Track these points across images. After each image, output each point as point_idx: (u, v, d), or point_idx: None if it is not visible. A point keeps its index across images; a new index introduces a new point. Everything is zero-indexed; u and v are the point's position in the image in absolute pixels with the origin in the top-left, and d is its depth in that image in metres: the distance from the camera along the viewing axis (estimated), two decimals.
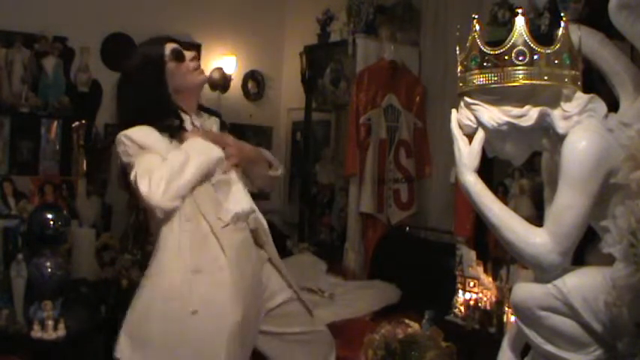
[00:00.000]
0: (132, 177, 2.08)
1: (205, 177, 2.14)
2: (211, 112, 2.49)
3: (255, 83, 6.15)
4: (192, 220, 2.12)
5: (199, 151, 2.14)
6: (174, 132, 2.20)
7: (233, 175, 2.26)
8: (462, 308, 3.41)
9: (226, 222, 2.15)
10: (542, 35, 2.95)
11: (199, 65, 2.31)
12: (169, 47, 2.28)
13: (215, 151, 2.17)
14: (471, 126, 1.90)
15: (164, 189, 2.03)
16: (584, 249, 2.03)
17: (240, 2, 5.92)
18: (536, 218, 2.26)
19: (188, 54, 2.30)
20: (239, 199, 2.23)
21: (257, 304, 2.23)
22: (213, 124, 2.42)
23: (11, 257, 3.43)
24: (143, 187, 2.02)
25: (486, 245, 3.55)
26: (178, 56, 2.27)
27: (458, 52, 1.93)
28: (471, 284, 3.39)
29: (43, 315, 3.15)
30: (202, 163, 2.12)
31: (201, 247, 2.11)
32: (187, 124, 2.26)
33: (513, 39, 1.81)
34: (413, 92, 4.70)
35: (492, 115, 1.85)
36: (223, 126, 2.45)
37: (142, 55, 2.36)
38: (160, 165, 2.07)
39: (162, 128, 2.18)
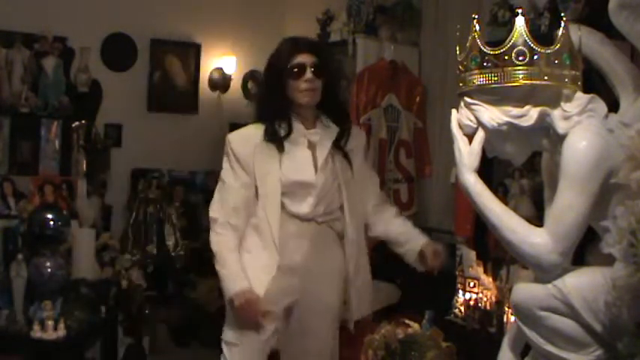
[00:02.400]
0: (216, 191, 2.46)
1: None
2: (340, 117, 2.52)
3: (255, 83, 6.15)
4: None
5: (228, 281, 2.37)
6: (279, 137, 2.38)
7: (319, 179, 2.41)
8: (462, 308, 3.41)
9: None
10: (542, 35, 2.95)
11: (312, 87, 2.37)
12: (296, 60, 2.37)
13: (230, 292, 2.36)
14: (471, 126, 1.90)
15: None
16: (584, 249, 2.03)
17: (240, 2, 5.92)
18: (536, 218, 2.26)
19: (308, 73, 2.36)
20: (314, 203, 2.42)
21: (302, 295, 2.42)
22: (332, 132, 2.47)
23: (11, 257, 3.43)
24: (211, 213, 2.44)
25: (486, 245, 3.55)
26: (294, 74, 2.37)
27: (458, 52, 1.93)
28: (471, 284, 3.39)
29: (43, 315, 3.15)
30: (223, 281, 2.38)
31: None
32: (298, 135, 2.41)
33: (513, 39, 1.81)
34: (413, 92, 4.70)
35: (492, 115, 1.85)
36: (342, 135, 2.48)
37: (273, 55, 2.49)
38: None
39: (270, 130, 2.38)
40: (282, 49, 2.44)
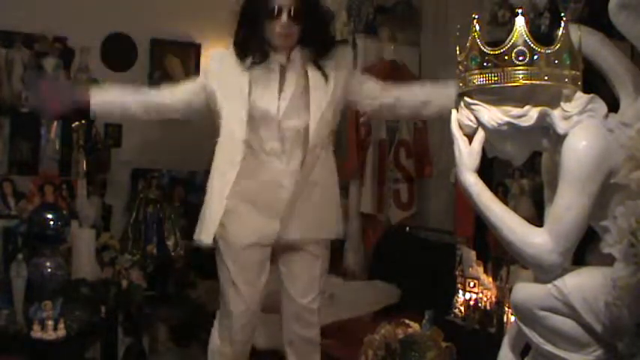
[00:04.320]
0: None
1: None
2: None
3: None
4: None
5: None
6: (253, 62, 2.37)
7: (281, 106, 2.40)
8: (462, 308, 3.40)
9: None
10: (542, 35, 2.94)
11: (287, 32, 2.34)
12: (274, 1, 2.32)
13: None
14: (471, 126, 1.90)
15: None
16: (584, 249, 2.03)
17: (241, 2, 5.91)
18: (536, 218, 2.26)
19: (284, 17, 2.31)
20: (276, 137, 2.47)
21: None
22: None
23: (11, 257, 3.44)
24: None
25: (486, 245, 3.55)
26: (271, 16, 2.33)
27: (458, 52, 1.93)
28: (471, 284, 3.39)
29: (43, 315, 3.15)
30: None
31: None
32: (273, 63, 2.39)
33: (513, 39, 1.81)
34: None
35: (492, 115, 1.85)
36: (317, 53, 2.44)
37: None
38: None
39: (244, 53, 2.39)
40: None
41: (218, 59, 2.52)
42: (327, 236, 2.61)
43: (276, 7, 2.30)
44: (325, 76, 2.40)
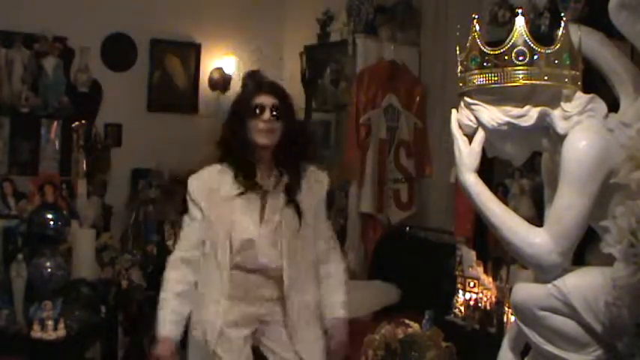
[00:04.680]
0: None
1: None
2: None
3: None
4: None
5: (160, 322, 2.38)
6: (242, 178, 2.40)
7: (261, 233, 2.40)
8: (462, 308, 3.41)
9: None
10: (542, 35, 2.95)
11: (270, 128, 2.38)
12: (257, 100, 2.39)
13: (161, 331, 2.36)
14: (471, 126, 1.90)
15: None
16: (584, 249, 2.03)
17: (240, 2, 5.92)
18: (536, 218, 2.26)
19: (266, 113, 2.37)
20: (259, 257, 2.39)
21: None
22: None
23: (11, 257, 3.43)
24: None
25: (486, 245, 3.55)
26: (254, 114, 2.38)
27: (458, 52, 1.93)
28: (471, 284, 3.39)
29: (43, 315, 3.15)
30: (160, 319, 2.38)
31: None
32: (258, 178, 2.42)
33: (513, 39, 1.81)
34: (413, 92, 4.70)
35: (492, 115, 1.85)
36: (292, 185, 2.45)
37: (237, 96, 2.58)
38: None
39: (232, 168, 2.41)
40: (245, 89, 2.49)
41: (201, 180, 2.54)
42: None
43: (259, 105, 2.39)
44: (297, 208, 2.44)
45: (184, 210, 2.56)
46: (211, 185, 2.43)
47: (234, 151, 2.43)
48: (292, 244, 2.40)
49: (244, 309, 2.39)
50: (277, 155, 2.42)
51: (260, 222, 2.40)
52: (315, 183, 2.51)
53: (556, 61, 1.81)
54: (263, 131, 2.37)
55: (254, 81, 2.53)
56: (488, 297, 3.30)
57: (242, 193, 2.39)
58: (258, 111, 2.37)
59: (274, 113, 2.37)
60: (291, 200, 2.42)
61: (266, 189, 2.41)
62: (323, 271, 2.53)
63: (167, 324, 2.36)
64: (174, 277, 2.44)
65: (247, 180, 2.39)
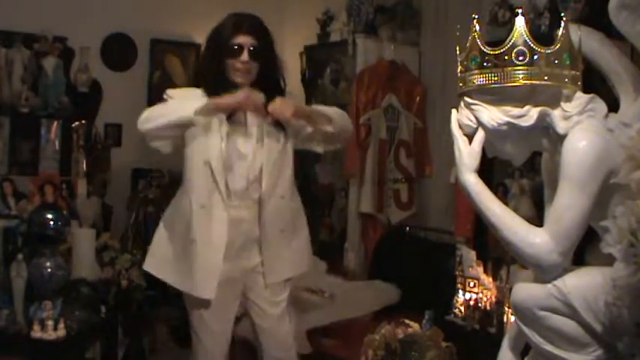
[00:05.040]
0: None
1: (180, 123, 2.41)
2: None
3: None
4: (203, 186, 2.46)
5: (183, 103, 2.43)
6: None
7: (248, 149, 2.47)
8: (462, 308, 3.40)
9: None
10: (542, 35, 2.95)
11: (246, 68, 2.45)
12: (236, 39, 2.44)
13: (189, 109, 2.37)
14: (471, 126, 1.90)
15: (144, 115, 2.49)
16: (584, 249, 2.03)
17: (240, 2, 5.91)
18: (536, 218, 2.26)
19: (244, 54, 2.43)
20: (238, 177, 2.46)
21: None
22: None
23: (11, 257, 3.43)
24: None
25: (486, 245, 3.55)
26: (232, 53, 2.43)
27: (458, 52, 1.93)
28: (471, 284, 3.39)
29: (43, 315, 3.14)
30: (176, 109, 2.42)
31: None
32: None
33: (513, 39, 1.81)
34: (413, 92, 4.70)
35: (492, 115, 1.85)
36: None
37: (215, 29, 2.56)
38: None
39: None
40: (225, 25, 2.51)
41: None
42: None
43: (237, 45, 2.43)
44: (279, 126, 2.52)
45: None
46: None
47: (210, 87, 2.47)
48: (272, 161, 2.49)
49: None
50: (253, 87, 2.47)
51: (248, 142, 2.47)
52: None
53: (556, 61, 1.81)
54: (240, 70, 2.44)
55: (234, 19, 2.55)
56: (488, 297, 3.30)
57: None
58: (235, 50, 2.43)
59: (252, 53, 2.43)
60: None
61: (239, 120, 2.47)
62: None
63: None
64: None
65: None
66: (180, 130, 2.43)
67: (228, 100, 2.39)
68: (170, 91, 2.54)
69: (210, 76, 2.49)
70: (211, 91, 2.45)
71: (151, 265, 2.69)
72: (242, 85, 2.45)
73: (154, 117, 2.46)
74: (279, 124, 2.50)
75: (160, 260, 2.64)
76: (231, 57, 2.43)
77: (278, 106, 2.42)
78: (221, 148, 2.43)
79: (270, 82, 2.52)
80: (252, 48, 2.43)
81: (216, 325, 2.59)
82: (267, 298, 2.61)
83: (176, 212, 2.60)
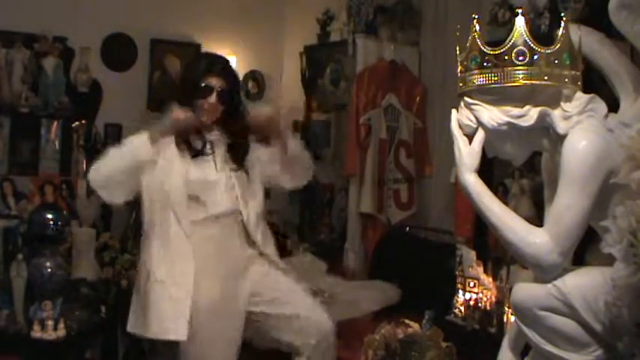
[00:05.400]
0: None
1: (131, 167, 2.47)
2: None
3: (255, 83, 6.15)
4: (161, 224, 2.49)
5: (131, 146, 2.50)
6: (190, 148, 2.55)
7: (220, 177, 2.54)
8: (462, 308, 3.40)
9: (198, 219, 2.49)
10: (542, 35, 2.95)
11: (213, 109, 2.54)
12: (206, 80, 2.53)
13: (141, 153, 2.46)
14: (471, 126, 1.90)
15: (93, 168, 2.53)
16: (584, 249, 2.03)
17: (240, 2, 5.91)
18: (536, 218, 2.26)
19: (213, 97, 2.52)
20: (219, 200, 2.52)
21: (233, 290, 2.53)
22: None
23: (11, 257, 3.43)
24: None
25: (486, 245, 3.55)
26: (201, 93, 2.52)
27: (458, 52, 1.93)
28: (471, 284, 3.39)
29: (43, 315, 3.15)
30: (125, 153, 2.49)
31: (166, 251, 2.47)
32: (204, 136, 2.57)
33: (513, 39, 1.81)
34: (413, 92, 4.70)
35: (492, 115, 1.86)
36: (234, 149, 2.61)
37: (188, 67, 2.73)
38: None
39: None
40: (198, 65, 2.61)
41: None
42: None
43: (207, 86, 2.52)
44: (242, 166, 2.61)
45: None
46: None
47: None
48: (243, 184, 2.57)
49: None
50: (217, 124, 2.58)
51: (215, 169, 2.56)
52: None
53: (556, 61, 1.81)
54: (207, 110, 2.53)
55: (206, 60, 2.65)
56: (488, 297, 3.29)
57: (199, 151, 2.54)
58: (204, 90, 2.52)
59: (219, 96, 2.52)
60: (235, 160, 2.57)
61: (212, 139, 2.57)
62: None
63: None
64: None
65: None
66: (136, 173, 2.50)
67: (165, 124, 2.49)
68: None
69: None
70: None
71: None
72: (205, 123, 2.55)
73: (105, 163, 2.51)
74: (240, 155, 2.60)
75: None
76: (200, 97, 2.52)
77: (259, 110, 2.57)
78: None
79: (232, 123, 2.62)
80: (220, 90, 2.53)
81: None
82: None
83: None
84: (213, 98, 2.51)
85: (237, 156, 2.59)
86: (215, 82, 2.52)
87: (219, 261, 2.52)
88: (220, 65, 2.60)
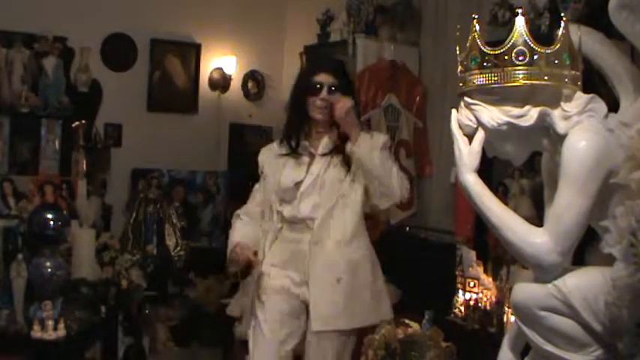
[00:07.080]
0: None
1: None
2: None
3: (255, 83, 6.15)
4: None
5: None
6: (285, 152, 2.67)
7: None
8: (462, 308, 3.41)
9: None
10: (542, 35, 2.95)
11: (326, 105, 2.59)
12: (316, 78, 2.60)
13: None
14: (471, 126, 1.90)
15: None
16: (584, 249, 2.03)
17: (240, 2, 5.92)
18: (536, 218, 2.26)
19: (324, 92, 2.59)
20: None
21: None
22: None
23: (11, 257, 3.43)
24: None
25: (486, 245, 3.55)
26: (312, 91, 2.61)
27: (458, 52, 1.93)
28: (471, 284, 3.39)
29: (43, 315, 3.15)
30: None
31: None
32: (303, 149, 2.66)
33: (513, 39, 1.81)
34: (413, 92, 4.70)
35: (492, 115, 1.85)
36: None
37: (300, 73, 2.84)
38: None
39: (283, 146, 2.68)
40: (307, 66, 2.73)
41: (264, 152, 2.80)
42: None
43: (318, 82, 2.59)
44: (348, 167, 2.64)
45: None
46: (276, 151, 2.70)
47: (292, 122, 2.67)
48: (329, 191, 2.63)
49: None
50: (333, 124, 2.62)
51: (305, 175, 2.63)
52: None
53: (556, 61, 1.81)
54: (319, 107, 2.59)
55: (315, 59, 2.72)
56: (488, 297, 3.30)
57: (288, 155, 2.65)
58: (315, 87, 2.59)
59: (331, 91, 2.58)
60: (342, 152, 2.60)
61: (313, 152, 2.64)
62: None
63: (236, 235, 2.64)
64: (239, 223, 2.71)
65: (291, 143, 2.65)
66: None
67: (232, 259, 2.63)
68: (260, 155, 2.78)
69: (293, 113, 2.67)
70: (293, 126, 2.66)
71: None
72: (320, 122, 2.61)
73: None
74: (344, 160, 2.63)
75: None
76: (311, 95, 2.59)
77: (340, 101, 2.56)
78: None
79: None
80: (331, 86, 2.59)
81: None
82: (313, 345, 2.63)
83: None
84: (324, 93, 2.58)
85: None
86: (325, 79, 2.59)
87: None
88: (330, 63, 2.73)
